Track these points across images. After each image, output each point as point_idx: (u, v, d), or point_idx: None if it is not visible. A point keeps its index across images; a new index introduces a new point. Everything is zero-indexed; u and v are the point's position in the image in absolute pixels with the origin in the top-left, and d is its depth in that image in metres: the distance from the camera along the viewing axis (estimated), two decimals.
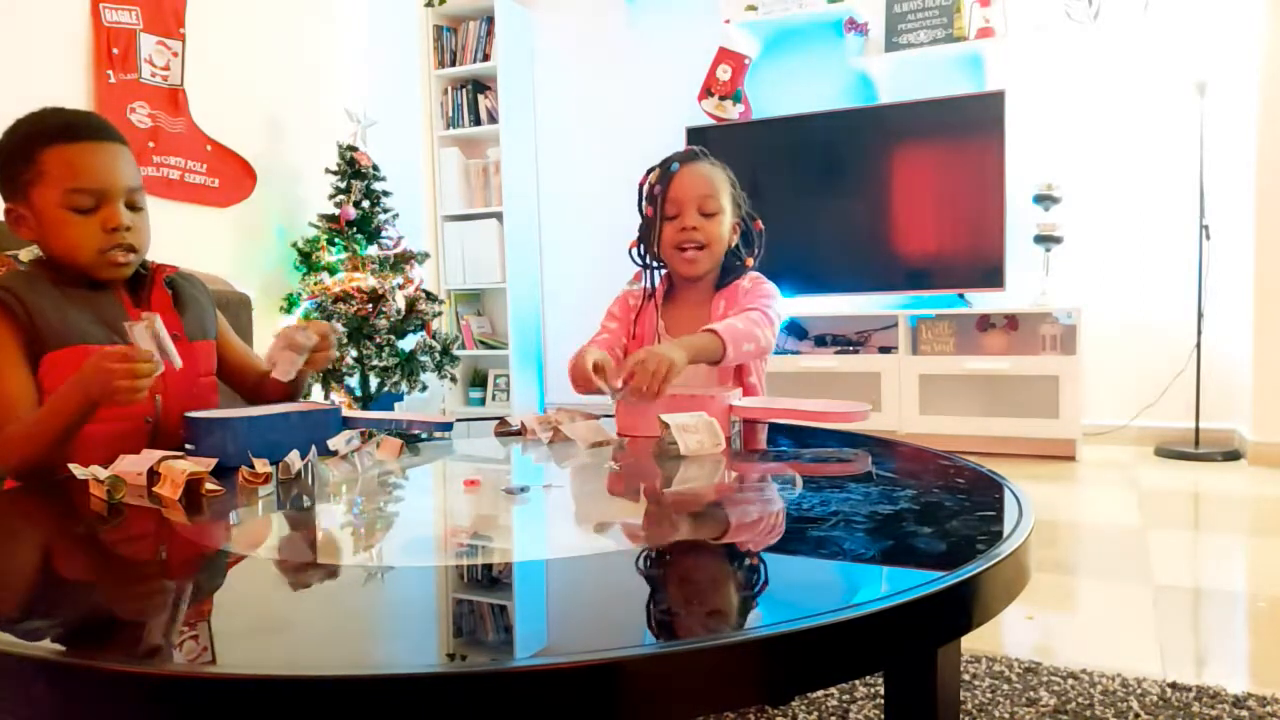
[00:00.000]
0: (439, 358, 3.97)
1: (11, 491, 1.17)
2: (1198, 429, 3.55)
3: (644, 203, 1.69)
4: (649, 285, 1.72)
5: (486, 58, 4.68)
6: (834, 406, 1.32)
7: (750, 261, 1.70)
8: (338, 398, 3.74)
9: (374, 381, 3.79)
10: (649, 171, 1.68)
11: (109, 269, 1.32)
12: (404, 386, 3.85)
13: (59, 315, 1.27)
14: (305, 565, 0.79)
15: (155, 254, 1.46)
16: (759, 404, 1.40)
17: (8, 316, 1.24)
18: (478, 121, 4.77)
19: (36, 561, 0.84)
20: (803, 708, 1.43)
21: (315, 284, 3.69)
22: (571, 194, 4.87)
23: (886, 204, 3.98)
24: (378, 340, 3.70)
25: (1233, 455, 3.46)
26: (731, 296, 1.65)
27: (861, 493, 0.94)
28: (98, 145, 1.30)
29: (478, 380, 4.98)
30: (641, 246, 1.70)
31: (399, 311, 3.76)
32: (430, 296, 3.99)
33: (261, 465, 1.03)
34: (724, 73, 4.24)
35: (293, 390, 1.48)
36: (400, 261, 3.86)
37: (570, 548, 0.85)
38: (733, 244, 1.68)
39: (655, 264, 1.71)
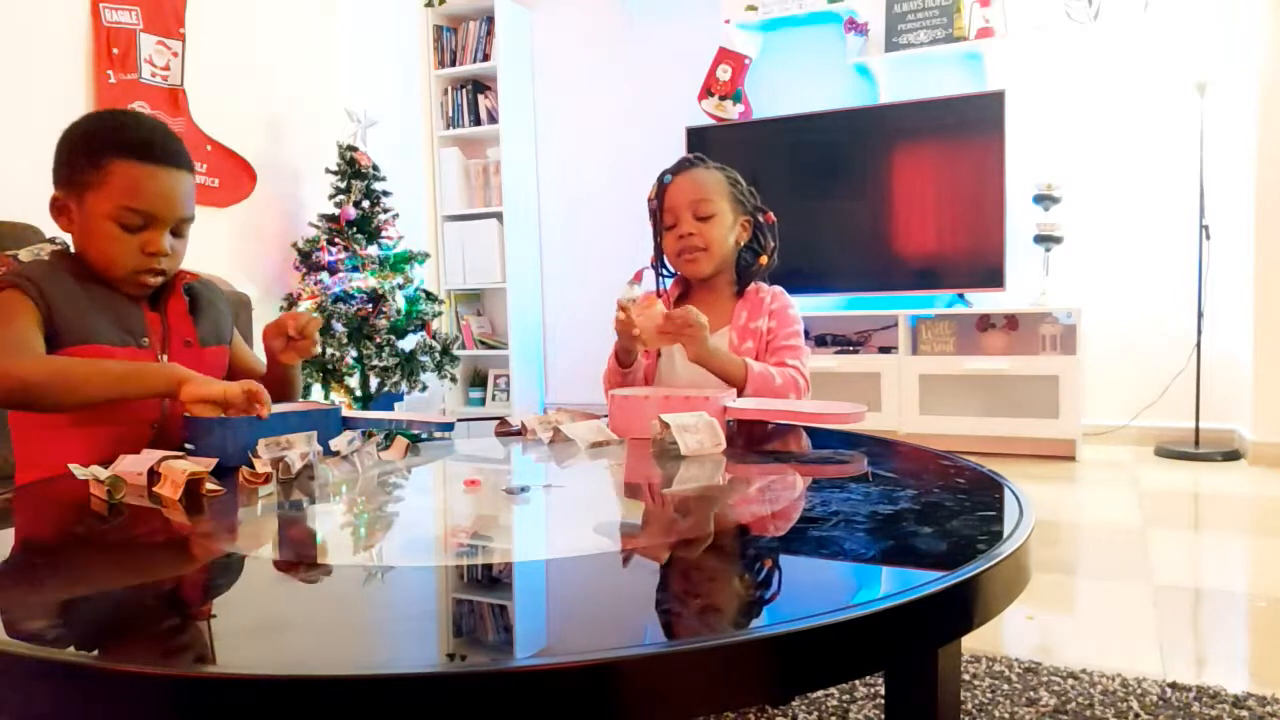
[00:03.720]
0: (439, 358, 3.97)
1: (11, 492, 1.17)
2: (1198, 429, 3.55)
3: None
4: (658, 289, 1.75)
5: (486, 58, 4.68)
6: (830, 408, 1.32)
7: (764, 260, 1.71)
8: (338, 398, 3.74)
9: (374, 381, 3.79)
10: (652, 187, 1.71)
11: (135, 287, 1.33)
12: (404, 386, 3.85)
13: (76, 312, 1.27)
14: (305, 565, 0.79)
15: None
16: (754, 405, 1.39)
17: (29, 301, 1.24)
18: (478, 121, 4.77)
19: (36, 562, 0.84)
20: (803, 708, 1.43)
21: (315, 284, 3.69)
22: (571, 194, 4.87)
23: (887, 204, 3.98)
24: (378, 340, 3.70)
25: (1233, 455, 3.46)
26: (755, 308, 1.67)
27: (862, 493, 0.94)
28: (167, 171, 1.29)
29: (478, 380, 4.98)
30: (656, 261, 1.74)
31: (399, 311, 3.76)
32: (430, 296, 3.99)
33: (261, 465, 1.03)
34: (724, 73, 4.24)
35: (290, 391, 1.49)
36: (400, 261, 3.86)
37: (570, 548, 0.85)
38: (740, 243, 1.69)
39: (668, 274, 1.75)
